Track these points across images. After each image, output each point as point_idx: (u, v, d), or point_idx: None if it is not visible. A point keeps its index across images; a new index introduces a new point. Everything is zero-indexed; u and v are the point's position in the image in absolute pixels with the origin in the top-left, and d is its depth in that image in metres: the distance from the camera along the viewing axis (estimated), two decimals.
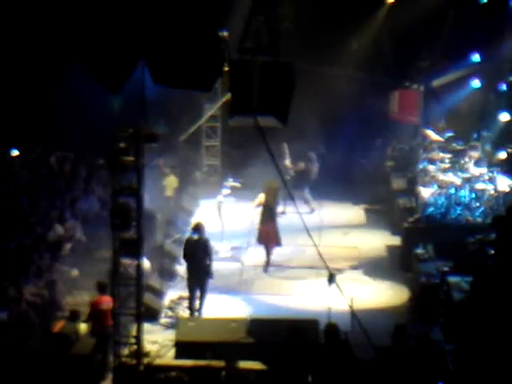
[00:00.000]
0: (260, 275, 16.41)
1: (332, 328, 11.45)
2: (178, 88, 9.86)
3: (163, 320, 14.37)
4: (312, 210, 19.73)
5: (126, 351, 12.11)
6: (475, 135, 19.53)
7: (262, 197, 16.80)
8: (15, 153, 18.12)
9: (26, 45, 18.29)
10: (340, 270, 15.55)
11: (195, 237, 14.32)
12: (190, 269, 14.33)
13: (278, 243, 16.69)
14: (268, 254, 16.67)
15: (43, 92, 19.14)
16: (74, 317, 12.33)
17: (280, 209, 18.22)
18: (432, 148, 19.48)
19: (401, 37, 22.01)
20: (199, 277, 14.21)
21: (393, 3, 22.34)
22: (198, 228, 14.41)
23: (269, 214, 16.66)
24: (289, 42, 11.95)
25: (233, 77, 9.68)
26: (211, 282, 14.72)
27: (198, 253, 14.21)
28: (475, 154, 18.75)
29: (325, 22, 22.19)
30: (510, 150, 19.05)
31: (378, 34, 22.90)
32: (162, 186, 18.93)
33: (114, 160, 11.69)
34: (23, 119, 19.08)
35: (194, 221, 14.88)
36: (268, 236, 16.64)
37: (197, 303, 14.30)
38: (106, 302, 12.48)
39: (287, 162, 19.14)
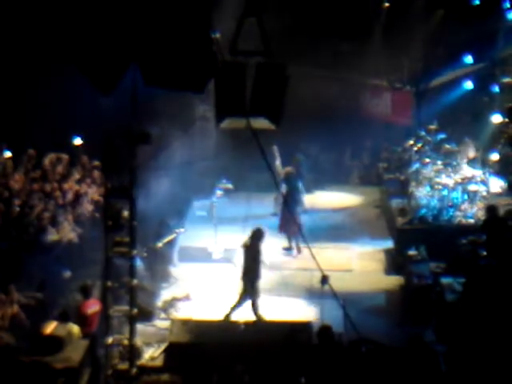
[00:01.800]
0: None
1: (326, 330, 11.48)
2: (170, 90, 9.86)
3: (156, 321, 14.36)
4: (304, 211, 19.76)
5: (118, 353, 12.12)
6: (467, 137, 19.57)
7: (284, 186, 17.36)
8: (8, 154, 18.06)
9: (21, 46, 18.24)
10: (333, 272, 15.53)
11: (249, 242, 14.36)
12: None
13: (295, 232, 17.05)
14: (289, 239, 17.38)
15: (37, 93, 19.10)
16: (64, 317, 12.29)
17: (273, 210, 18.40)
18: (425, 150, 19.52)
19: (394, 39, 22.05)
20: (243, 281, 14.26)
21: (388, 7, 22.42)
22: (257, 235, 14.41)
23: (286, 202, 17.16)
24: (281, 44, 11.96)
25: (225, 78, 9.68)
26: (202, 285, 15.04)
27: (247, 258, 14.27)
28: (470, 154, 18.79)
29: (319, 25, 22.23)
30: (502, 152, 19.14)
31: (372, 38, 22.97)
32: (155, 187, 18.92)
33: (108, 161, 11.68)
34: (16, 120, 19.04)
35: (255, 227, 14.88)
36: (285, 223, 17.15)
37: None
38: (91, 305, 12.45)
39: (278, 163, 19.18)
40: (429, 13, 21.70)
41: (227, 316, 14.11)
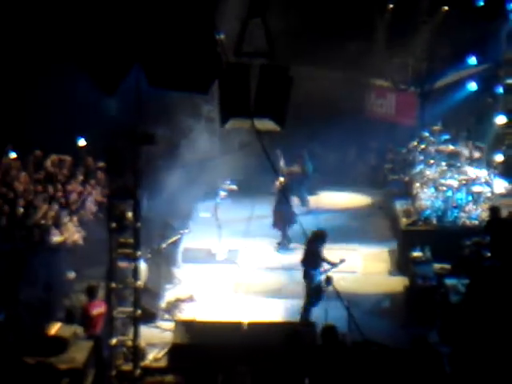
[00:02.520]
0: (257, 278, 16.41)
1: (329, 329, 11.47)
2: (174, 90, 9.87)
3: (160, 323, 14.36)
4: (309, 211, 19.77)
5: (122, 354, 12.13)
6: (471, 138, 19.55)
7: (281, 180, 17.66)
8: (13, 155, 18.09)
9: (23, 46, 18.26)
10: (337, 273, 15.52)
11: (308, 244, 14.27)
12: None
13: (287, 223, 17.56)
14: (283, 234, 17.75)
15: (41, 94, 19.11)
16: (70, 318, 12.32)
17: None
18: (429, 151, 19.50)
19: (398, 39, 22.03)
20: (305, 284, 14.23)
21: (392, 9, 22.38)
22: (318, 237, 14.36)
23: (283, 197, 17.53)
24: (286, 44, 11.98)
25: (229, 80, 9.69)
26: (205, 286, 15.21)
27: (306, 260, 14.22)
28: (474, 155, 18.76)
29: (321, 25, 22.21)
30: (506, 153, 19.12)
31: (377, 38, 22.94)
32: (159, 188, 18.94)
33: (112, 162, 11.69)
34: (21, 122, 19.05)
35: (316, 229, 14.80)
36: (279, 219, 17.66)
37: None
38: (97, 306, 12.45)
39: (281, 165, 19.25)
40: (433, 13, 21.67)
41: (304, 318, 14.14)
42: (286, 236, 17.83)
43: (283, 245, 17.81)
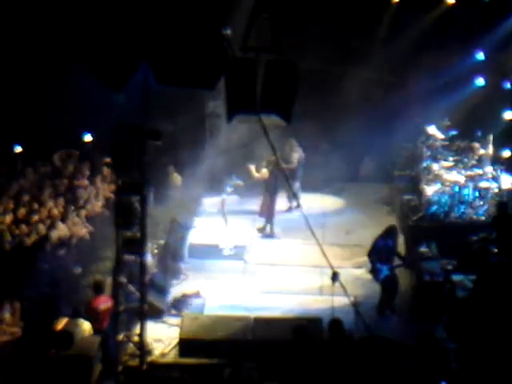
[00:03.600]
0: (264, 274, 16.40)
1: (336, 323, 11.49)
2: (181, 87, 9.87)
3: (166, 318, 14.37)
4: (298, 206, 19.71)
5: (129, 350, 12.14)
6: (479, 133, 19.47)
7: (263, 172, 17.89)
8: (18, 149, 18.11)
9: (30, 42, 18.27)
10: (343, 269, 15.50)
11: (383, 240, 14.37)
12: None
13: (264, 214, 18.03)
14: (266, 222, 18.08)
15: (46, 89, 19.11)
16: (77, 313, 12.34)
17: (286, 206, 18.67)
18: (436, 146, 19.44)
19: (403, 33, 21.96)
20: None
21: (397, 3, 22.27)
22: (389, 232, 14.45)
23: (265, 188, 17.98)
24: (292, 39, 11.94)
25: (236, 75, 9.67)
26: (212, 281, 15.23)
27: (372, 255, 14.34)
28: (482, 152, 18.70)
29: (329, 20, 22.15)
30: None
31: (382, 32, 22.85)
32: (165, 184, 18.96)
33: (118, 158, 11.70)
34: (27, 117, 19.06)
35: (389, 224, 14.93)
36: (263, 207, 18.05)
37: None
38: (103, 302, 12.46)
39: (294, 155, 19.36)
40: (437, 6, 21.60)
41: (380, 311, 14.34)
42: (271, 225, 18.08)
43: (266, 233, 18.06)
